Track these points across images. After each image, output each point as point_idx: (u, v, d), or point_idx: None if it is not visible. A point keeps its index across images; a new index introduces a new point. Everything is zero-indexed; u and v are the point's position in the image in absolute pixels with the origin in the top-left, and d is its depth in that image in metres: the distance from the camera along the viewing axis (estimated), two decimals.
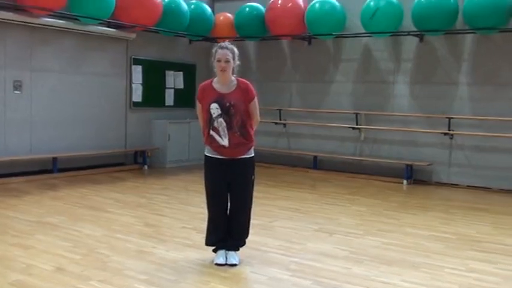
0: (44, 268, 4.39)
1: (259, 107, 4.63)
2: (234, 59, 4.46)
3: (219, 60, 4.41)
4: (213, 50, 4.50)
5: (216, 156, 4.49)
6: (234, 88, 4.47)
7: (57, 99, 9.18)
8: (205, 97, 4.50)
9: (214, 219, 4.61)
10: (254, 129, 4.62)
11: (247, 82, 4.55)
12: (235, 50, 4.50)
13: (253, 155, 4.60)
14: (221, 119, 4.40)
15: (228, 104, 4.39)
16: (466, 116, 9.13)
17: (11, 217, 6.13)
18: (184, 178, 9.43)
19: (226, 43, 4.54)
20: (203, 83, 4.61)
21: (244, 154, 4.50)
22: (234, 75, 4.53)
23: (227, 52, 4.43)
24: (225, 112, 4.40)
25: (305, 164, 10.71)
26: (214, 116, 4.42)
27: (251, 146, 4.56)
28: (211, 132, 4.45)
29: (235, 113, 4.39)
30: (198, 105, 4.60)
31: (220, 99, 4.42)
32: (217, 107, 4.40)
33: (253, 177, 4.59)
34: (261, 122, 4.81)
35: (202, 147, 4.68)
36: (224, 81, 4.46)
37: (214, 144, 4.47)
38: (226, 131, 4.41)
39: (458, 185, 9.27)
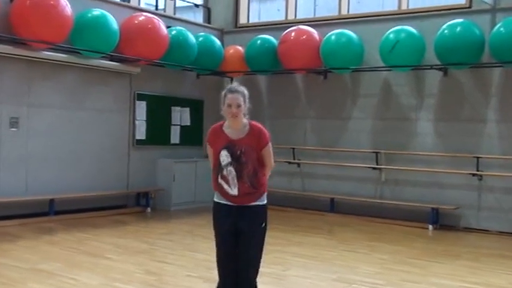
0: None
1: (272, 146, 4.60)
2: (245, 102, 4.42)
3: (229, 106, 4.36)
4: (222, 94, 4.45)
5: (224, 202, 4.46)
6: (246, 133, 4.41)
7: (55, 137, 9.25)
8: (215, 142, 4.46)
9: (221, 272, 4.54)
10: (268, 176, 4.58)
11: (261, 127, 4.47)
12: (246, 92, 4.46)
13: (265, 202, 4.54)
14: (231, 168, 4.36)
15: (238, 152, 4.35)
16: (495, 156, 9.05)
17: (2, 264, 6.08)
18: (190, 222, 9.38)
19: (236, 85, 4.50)
20: (213, 126, 4.57)
21: (255, 201, 4.46)
22: (247, 117, 4.48)
23: (238, 96, 4.36)
24: (236, 160, 4.35)
25: (321, 207, 10.62)
26: (223, 164, 4.38)
27: (263, 193, 4.51)
28: (220, 180, 4.43)
29: (246, 161, 4.35)
30: (209, 149, 4.58)
31: (230, 145, 4.37)
32: (227, 154, 4.36)
33: (264, 226, 4.53)
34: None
35: (209, 188, 4.64)
36: (236, 126, 4.42)
37: (223, 192, 4.45)
38: (235, 181, 4.37)
39: (488, 230, 9.12)
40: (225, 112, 4.36)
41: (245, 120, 4.40)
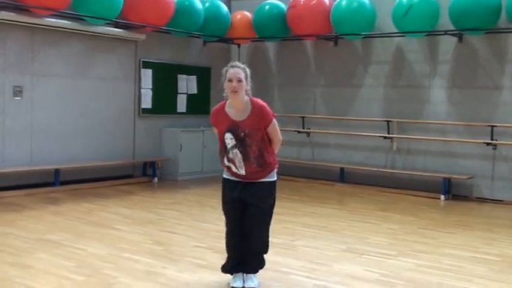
0: None
1: (280, 115, 4.62)
2: (246, 79, 4.41)
3: (230, 80, 4.35)
4: (223, 71, 4.46)
5: (232, 178, 4.53)
6: (248, 114, 4.41)
7: (60, 106, 9.28)
8: (219, 123, 4.49)
9: (229, 243, 4.62)
10: (277, 151, 4.60)
11: (262, 104, 4.45)
12: (248, 70, 4.46)
13: (275, 178, 4.57)
14: (236, 150, 4.39)
15: (242, 134, 4.37)
16: (510, 124, 9.01)
17: (9, 234, 6.18)
18: (197, 192, 9.45)
19: (237, 62, 4.52)
20: (216, 107, 4.58)
21: (264, 178, 4.49)
22: (248, 95, 4.47)
23: (239, 71, 4.38)
24: (240, 143, 4.38)
25: (331, 176, 10.66)
26: (229, 146, 4.42)
27: (272, 170, 4.54)
28: (227, 163, 4.48)
29: (250, 143, 4.38)
30: (215, 129, 4.61)
31: (234, 128, 4.39)
32: (231, 137, 4.39)
33: (272, 202, 4.57)
34: (282, 130, 4.77)
35: (216, 158, 4.69)
36: (237, 105, 4.41)
37: (231, 171, 4.50)
38: (242, 163, 4.41)
39: (502, 200, 9.13)
40: (226, 88, 4.38)
41: (246, 98, 4.41)
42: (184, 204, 8.40)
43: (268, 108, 4.45)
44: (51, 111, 9.15)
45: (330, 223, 7.23)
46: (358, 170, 10.41)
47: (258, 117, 4.39)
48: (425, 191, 9.53)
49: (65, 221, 6.90)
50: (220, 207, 4.66)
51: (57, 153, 9.22)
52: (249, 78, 4.43)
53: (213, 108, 4.61)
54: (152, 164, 10.50)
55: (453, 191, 9.40)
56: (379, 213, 8.04)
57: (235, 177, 4.51)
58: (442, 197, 9.23)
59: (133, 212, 7.60)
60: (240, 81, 4.34)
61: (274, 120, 4.48)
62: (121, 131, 10.25)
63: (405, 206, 8.67)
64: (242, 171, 4.44)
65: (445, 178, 9.29)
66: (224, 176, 4.61)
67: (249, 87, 4.42)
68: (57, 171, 8.99)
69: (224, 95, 4.44)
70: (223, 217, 4.64)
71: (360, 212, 8.06)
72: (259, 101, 4.45)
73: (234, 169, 4.47)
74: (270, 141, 4.49)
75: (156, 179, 10.42)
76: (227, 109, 4.46)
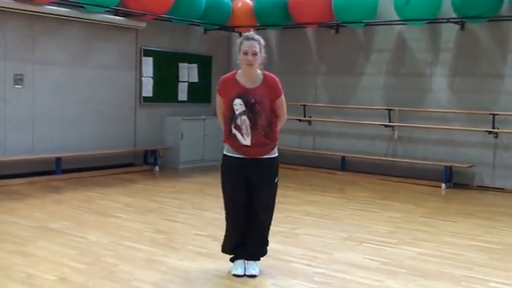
0: (45, 278, 4.42)
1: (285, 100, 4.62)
2: (261, 51, 4.42)
3: (245, 53, 4.35)
4: (238, 41, 4.45)
5: (236, 155, 4.49)
6: (260, 83, 4.44)
7: (61, 94, 9.27)
8: (228, 91, 4.47)
9: (232, 223, 4.61)
10: (279, 127, 4.62)
11: (275, 77, 4.51)
12: (262, 40, 4.46)
13: (276, 155, 4.59)
14: (245, 117, 4.39)
15: (253, 101, 4.38)
16: None
17: (11, 222, 6.19)
18: (198, 180, 9.46)
19: (252, 33, 4.49)
20: (225, 76, 4.58)
21: (267, 154, 4.49)
22: (260, 69, 4.50)
23: (254, 44, 4.37)
24: (250, 109, 4.38)
25: (332, 165, 10.66)
26: (237, 112, 4.40)
27: (274, 146, 4.55)
28: (234, 130, 4.44)
29: (260, 110, 4.38)
30: (219, 99, 4.58)
31: (245, 94, 4.39)
32: (241, 103, 4.39)
33: (276, 180, 4.58)
34: None
35: (218, 146, 4.69)
36: (250, 75, 4.43)
37: (236, 144, 4.46)
38: (249, 130, 4.40)
39: (503, 189, 9.13)
40: (240, 60, 4.38)
41: (259, 71, 4.44)
42: (185, 192, 8.41)
43: (279, 82, 4.49)
44: (52, 100, 9.14)
45: (331, 211, 7.24)
46: (359, 159, 10.40)
47: (270, 87, 4.45)
48: (426, 179, 9.54)
49: (67, 210, 6.92)
50: (221, 194, 4.64)
51: (59, 141, 9.22)
52: (263, 50, 4.45)
53: (222, 77, 4.60)
54: (153, 153, 10.50)
55: (454, 180, 9.40)
56: (380, 201, 8.05)
57: (239, 152, 4.47)
58: (443, 185, 9.23)
59: (134, 201, 7.61)
60: (255, 54, 4.35)
61: (283, 97, 4.52)
62: (122, 119, 10.25)
63: (406, 194, 8.68)
64: (248, 140, 4.41)
65: (446, 166, 9.28)
66: (225, 152, 4.55)
67: (263, 58, 4.44)
68: (58, 159, 9.00)
69: (238, 62, 4.45)
70: (223, 197, 4.61)
71: (361, 201, 8.07)
72: (272, 74, 4.49)
73: (239, 137, 4.42)
74: (276, 115, 4.50)
75: (157, 168, 10.42)
76: (238, 78, 4.47)
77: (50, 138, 9.11)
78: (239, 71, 4.50)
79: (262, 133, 4.42)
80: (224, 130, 4.55)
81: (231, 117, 4.45)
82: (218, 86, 4.58)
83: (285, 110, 4.58)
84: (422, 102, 9.89)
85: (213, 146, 10.66)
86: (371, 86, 10.43)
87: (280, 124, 4.61)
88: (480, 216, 7.23)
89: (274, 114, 4.51)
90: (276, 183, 4.59)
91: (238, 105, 4.39)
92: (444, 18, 9.30)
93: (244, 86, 4.43)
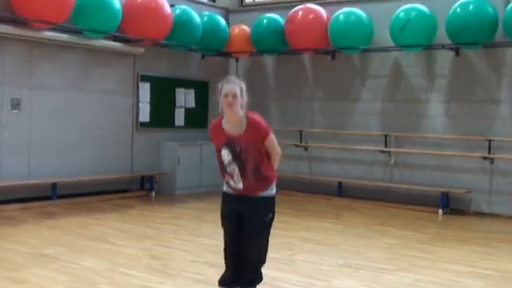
0: None
1: (278, 128, 4.63)
2: (241, 94, 4.43)
3: (225, 95, 4.37)
4: (219, 86, 4.47)
5: (231, 192, 4.54)
6: (244, 129, 4.42)
7: (58, 119, 9.27)
8: (216, 139, 4.52)
9: (226, 255, 4.60)
10: (276, 165, 4.59)
11: (257, 118, 4.44)
12: (243, 85, 4.47)
13: (273, 193, 4.55)
14: (234, 165, 4.41)
15: (239, 149, 4.38)
16: (508, 138, 9.02)
17: (5, 248, 6.14)
18: (195, 206, 9.42)
19: (233, 78, 4.54)
20: (213, 123, 4.60)
21: (262, 192, 4.48)
22: (243, 111, 4.46)
23: (234, 86, 4.39)
24: (237, 158, 4.39)
25: (329, 191, 10.64)
26: (225, 162, 4.43)
27: (270, 184, 4.53)
28: (226, 177, 4.50)
29: (246, 158, 4.38)
30: (214, 144, 4.63)
31: (230, 143, 4.41)
32: (228, 153, 4.41)
33: (269, 218, 4.55)
34: (279, 144, 4.75)
35: (215, 172, 4.70)
36: (232, 119, 4.42)
37: (229, 185, 4.52)
38: (240, 177, 4.43)
39: (499, 215, 9.12)
40: (222, 103, 4.39)
41: (241, 113, 4.41)
42: (182, 218, 8.37)
43: (263, 123, 4.44)
44: (49, 125, 9.14)
45: (327, 237, 7.20)
46: (356, 184, 10.39)
47: (254, 131, 4.39)
48: (423, 205, 9.52)
49: (61, 235, 6.87)
50: (219, 221, 4.64)
51: (55, 166, 9.19)
52: (244, 93, 4.43)
53: (211, 123, 4.62)
54: (150, 178, 10.48)
55: (451, 205, 9.38)
56: (377, 227, 8.02)
57: (234, 191, 4.52)
58: (440, 211, 9.21)
59: (130, 226, 7.57)
60: (235, 96, 4.35)
61: (271, 134, 4.47)
62: (119, 144, 10.24)
63: (403, 220, 8.65)
64: (240, 186, 4.45)
65: (442, 192, 9.28)
66: (224, 189, 4.62)
67: (244, 102, 4.43)
68: (54, 184, 8.97)
69: (219, 110, 4.44)
70: (222, 231, 4.63)
71: (358, 226, 8.04)
72: (255, 115, 4.44)
73: (232, 183, 4.48)
74: (267, 155, 4.49)
75: (153, 193, 10.39)
76: (224, 125, 4.47)
77: (46, 163, 9.08)
78: (224, 118, 4.49)
79: (253, 178, 4.41)
80: (220, 173, 4.60)
81: (221, 165, 4.49)
82: (209, 134, 4.62)
83: (277, 148, 4.52)
84: (418, 128, 9.92)
85: (210, 171, 10.63)
86: (367, 112, 10.47)
87: (275, 163, 4.56)
88: (477, 242, 7.20)
89: (263, 157, 4.45)
90: (269, 222, 4.55)
91: (226, 155, 4.42)
92: (439, 44, 9.38)
93: (229, 134, 4.42)
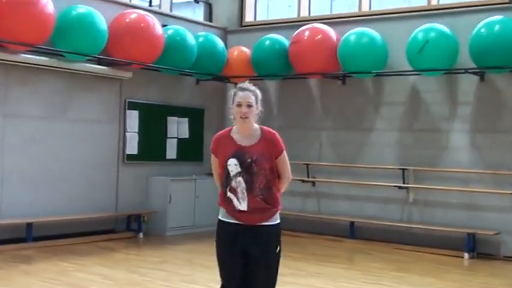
0: None
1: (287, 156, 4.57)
2: (257, 103, 4.43)
3: (239, 105, 4.35)
4: (231, 93, 4.45)
5: (231, 221, 4.43)
6: (257, 139, 4.42)
7: (35, 151, 9.27)
8: (222, 150, 4.46)
9: None
10: (282, 190, 4.56)
11: (274, 132, 4.49)
12: (259, 92, 4.47)
13: (278, 221, 4.52)
14: (240, 178, 4.35)
15: (249, 160, 4.35)
16: None
17: None
18: (188, 249, 9.38)
19: (247, 84, 4.51)
20: (219, 133, 4.58)
21: (266, 221, 4.42)
22: (257, 124, 4.48)
23: (249, 95, 4.38)
24: (246, 170, 4.35)
25: (339, 231, 10.59)
26: (232, 174, 4.37)
27: (276, 212, 4.48)
28: (229, 193, 4.41)
29: (258, 171, 4.35)
30: (213, 159, 4.57)
31: (240, 153, 4.37)
32: (236, 163, 4.36)
33: (278, 250, 4.49)
34: None
35: (210, 210, 4.65)
36: (245, 130, 4.41)
37: (230, 208, 4.41)
38: (245, 193, 4.35)
39: None
40: (234, 113, 4.37)
41: (256, 125, 4.41)
42: (172, 263, 8.32)
43: (279, 137, 4.46)
44: (24, 157, 9.13)
45: (338, 285, 7.15)
46: (370, 225, 10.34)
47: (269, 144, 4.39)
48: (446, 248, 9.46)
49: (37, 283, 6.81)
50: (215, 266, 4.55)
51: (30, 204, 9.15)
52: (259, 102, 4.43)
53: (216, 134, 4.59)
54: (137, 217, 10.44)
55: (478, 249, 9.32)
56: (395, 273, 7.98)
57: (235, 217, 4.40)
58: (466, 255, 9.16)
59: (114, 272, 7.51)
60: (250, 106, 4.34)
61: (285, 153, 4.47)
62: (103, 179, 10.22)
63: (424, 265, 8.60)
64: (244, 205, 4.35)
65: (468, 234, 9.22)
66: (220, 217, 4.48)
67: (259, 111, 4.42)
68: (29, 225, 8.92)
69: (231, 117, 4.42)
70: (217, 267, 4.51)
71: (373, 273, 7.98)
72: (271, 129, 4.46)
73: (235, 202, 4.37)
74: (278, 175, 4.46)
75: (141, 234, 10.34)
76: (233, 135, 4.45)
77: (20, 200, 9.04)
78: (234, 128, 4.49)
79: (261, 197, 4.36)
80: (220, 192, 4.51)
81: (225, 179, 4.42)
82: (211, 145, 4.57)
83: (288, 168, 4.52)
84: (439, 161, 9.91)
85: (205, 209, 10.59)
86: (382, 143, 10.47)
87: (284, 186, 4.54)
88: None
89: (274, 175, 4.45)
90: (278, 255, 4.50)
91: (233, 165, 4.36)
92: (462, 68, 9.42)
93: (239, 144, 4.40)
